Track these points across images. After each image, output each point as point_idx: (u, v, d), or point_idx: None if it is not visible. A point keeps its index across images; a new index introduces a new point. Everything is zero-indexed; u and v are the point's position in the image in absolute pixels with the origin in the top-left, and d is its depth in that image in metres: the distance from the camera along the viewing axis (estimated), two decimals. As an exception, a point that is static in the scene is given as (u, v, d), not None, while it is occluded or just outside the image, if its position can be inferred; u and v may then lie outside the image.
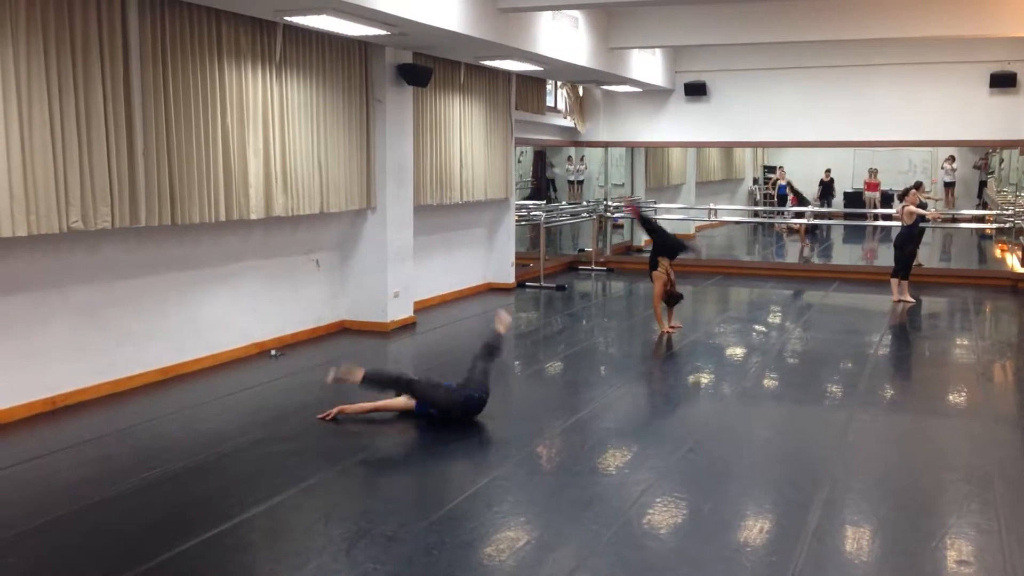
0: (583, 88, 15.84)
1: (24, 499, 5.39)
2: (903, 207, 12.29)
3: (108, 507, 5.23)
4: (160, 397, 7.52)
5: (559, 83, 15.37)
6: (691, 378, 8.64)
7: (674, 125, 15.85)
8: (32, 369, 6.89)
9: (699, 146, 19.30)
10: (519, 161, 17.32)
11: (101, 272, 7.40)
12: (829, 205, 22.22)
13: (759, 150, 25.73)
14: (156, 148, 7.30)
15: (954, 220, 19.68)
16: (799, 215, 19.77)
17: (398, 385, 6.91)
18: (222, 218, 8.03)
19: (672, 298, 10.18)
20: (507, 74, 12.80)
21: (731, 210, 22.88)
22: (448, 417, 6.75)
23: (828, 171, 22.95)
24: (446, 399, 6.72)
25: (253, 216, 8.38)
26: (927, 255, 16.35)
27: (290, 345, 9.40)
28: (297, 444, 6.38)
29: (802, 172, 23.96)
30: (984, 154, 22.99)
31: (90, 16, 6.67)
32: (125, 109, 7.01)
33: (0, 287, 6.62)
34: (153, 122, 7.27)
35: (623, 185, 18.59)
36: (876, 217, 19.97)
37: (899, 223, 12.62)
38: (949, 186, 23.03)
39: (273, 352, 9.03)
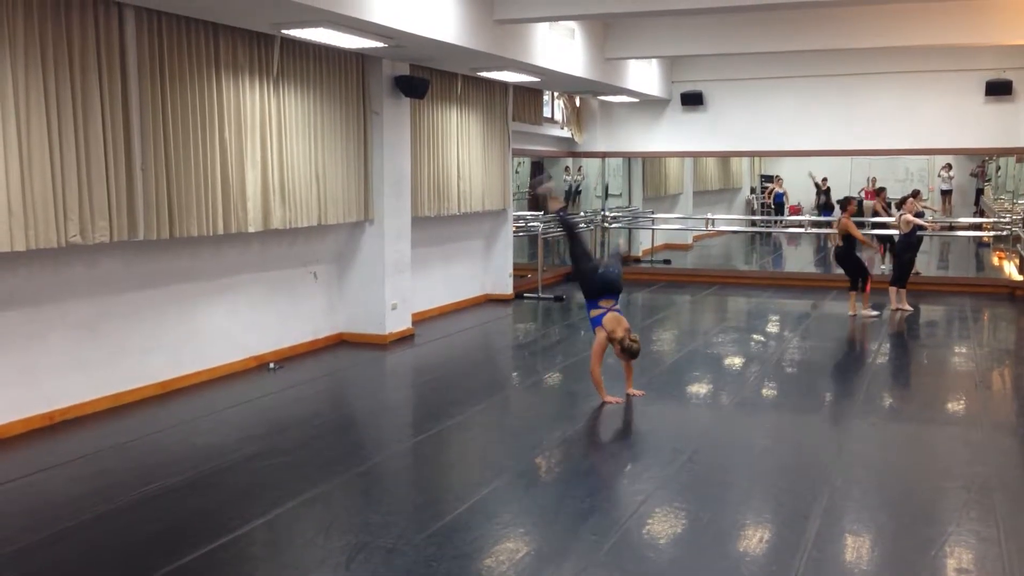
0: (580, 98, 15.88)
1: (23, 514, 5.38)
2: (900, 215, 12.32)
3: (107, 521, 5.22)
4: (159, 411, 7.51)
5: (556, 94, 15.41)
6: (690, 387, 8.64)
7: (671, 135, 15.89)
8: (31, 384, 6.89)
9: (696, 155, 19.34)
10: (516, 172, 17.34)
11: (99, 286, 7.40)
12: (828, 214, 22.22)
13: (756, 159, 25.79)
14: (154, 162, 7.32)
15: (951, 228, 19.70)
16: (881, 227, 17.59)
17: (571, 233, 8.38)
18: (220, 231, 8.04)
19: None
20: (504, 85, 12.84)
21: (729, 219, 22.92)
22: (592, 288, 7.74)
23: (825, 180, 22.99)
24: (587, 268, 7.90)
25: (251, 229, 8.39)
26: (925, 263, 16.36)
27: (288, 358, 9.40)
28: (296, 457, 6.37)
29: (799, 181, 24.00)
30: (981, 162, 23.04)
31: (87, 30, 6.69)
32: (123, 123, 7.02)
33: (-2, 302, 6.63)
34: (151, 136, 7.29)
35: (620, 195, 18.62)
36: (873, 226, 19.96)
37: (896, 232, 12.64)
38: (946, 194, 23.07)
39: (271, 365, 9.03)
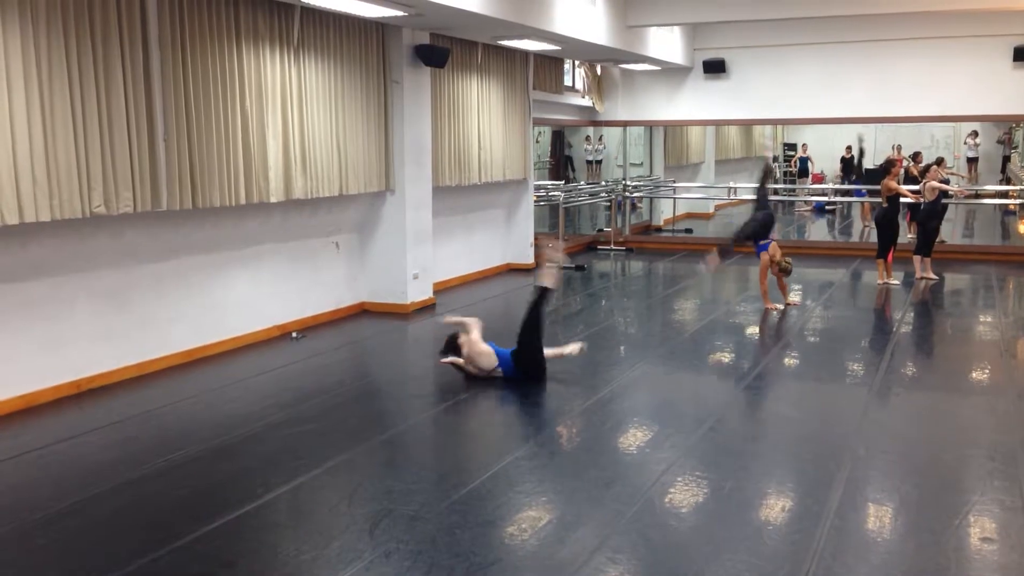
0: (601, 67, 15.75)
1: (52, 481, 5.45)
2: (925, 183, 12.19)
3: (134, 488, 5.29)
4: (184, 380, 7.58)
5: (577, 62, 15.29)
6: (712, 357, 8.62)
7: (693, 103, 15.75)
8: (57, 353, 6.96)
9: (718, 124, 19.17)
10: (537, 141, 17.26)
11: (124, 256, 7.45)
12: (851, 182, 22.03)
13: (779, 127, 25.53)
14: (176, 132, 7.34)
15: (977, 196, 19.48)
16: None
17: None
18: (242, 201, 8.06)
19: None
20: (524, 54, 12.74)
21: (751, 188, 22.70)
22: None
23: (849, 148, 22.75)
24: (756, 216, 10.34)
25: (273, 199, 8.41)
26: (950, 231, 16.19)
27: (311, 327, 9.44)
28: (319, 425, 6.42)
29: (823, 149, 23.76)
30: (1007, 128, 22.71)
31: (109, 1, 6.68)
32: (145, 94, 7.04)
33: (25, 272, 6.69)
34: (173, 106, 7.30)
35: (641, 164, 18.51)
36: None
37: (921, 200, 12.51)
38: (972, 161, 22.78)
39: (294, 334, 9.08)
